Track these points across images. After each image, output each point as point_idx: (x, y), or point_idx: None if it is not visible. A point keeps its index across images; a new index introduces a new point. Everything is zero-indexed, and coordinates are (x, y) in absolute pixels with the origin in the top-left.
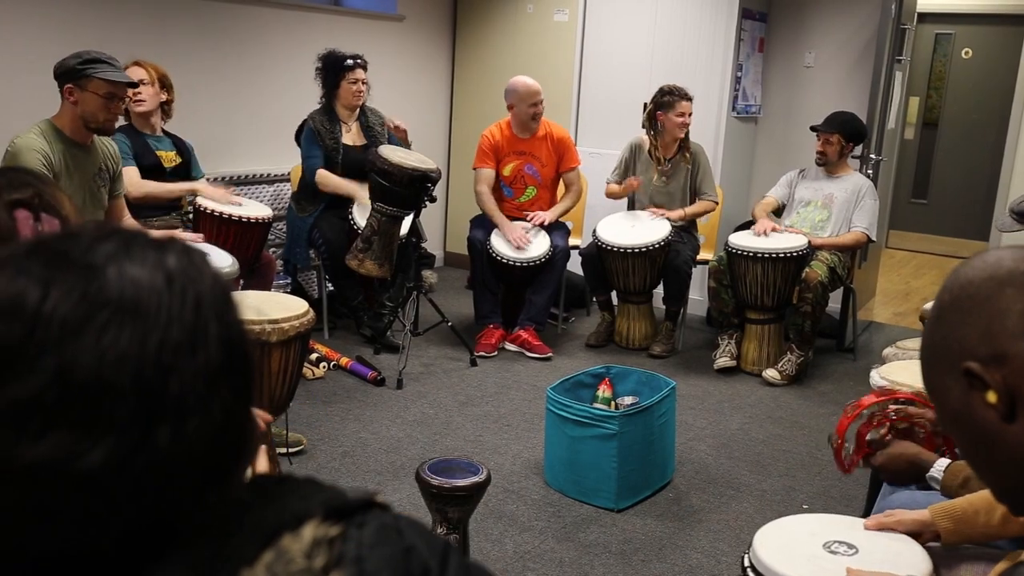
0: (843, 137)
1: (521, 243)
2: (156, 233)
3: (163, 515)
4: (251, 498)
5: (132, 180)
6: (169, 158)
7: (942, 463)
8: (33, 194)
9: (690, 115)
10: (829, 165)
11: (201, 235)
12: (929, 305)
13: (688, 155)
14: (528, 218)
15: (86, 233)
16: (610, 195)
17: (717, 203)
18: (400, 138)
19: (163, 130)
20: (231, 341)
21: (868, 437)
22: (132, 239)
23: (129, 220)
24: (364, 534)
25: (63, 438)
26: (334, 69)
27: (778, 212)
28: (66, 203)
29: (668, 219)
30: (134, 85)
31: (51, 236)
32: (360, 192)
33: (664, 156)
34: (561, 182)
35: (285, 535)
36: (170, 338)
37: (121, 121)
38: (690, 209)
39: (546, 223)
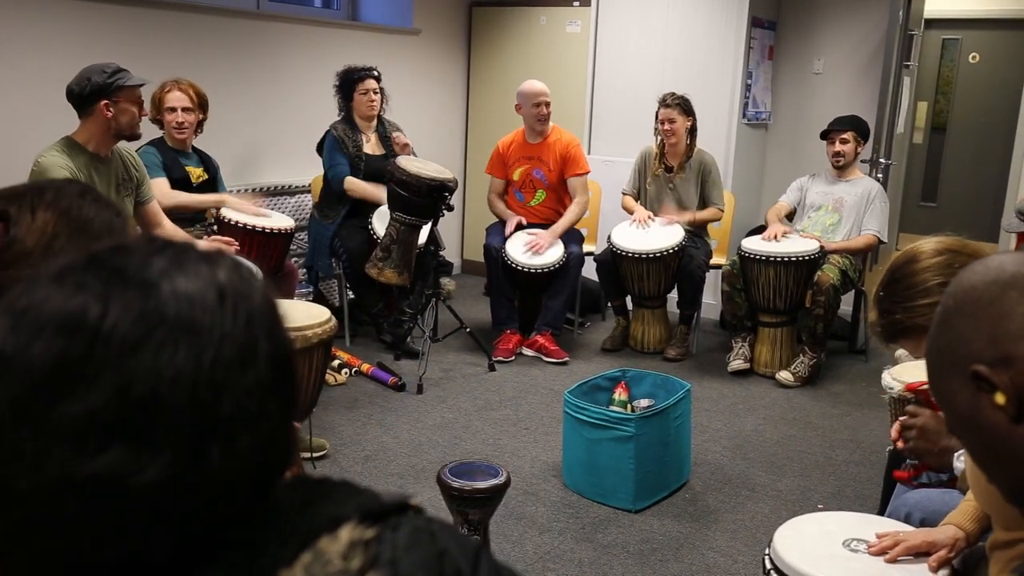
0: (857, 134)
1: (511, 227)
2: (202, 244)
3: (212, 527)
4: (289, 500)
5: (163, 191)
6: (197, 174)
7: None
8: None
9: (672, 122)
10: (846, 167)
11: (236, 244)
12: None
13: (689, 164)
14: (529, 245)
15: (139, 248)
16: (626, 208)
17: (723, 212)
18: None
19: (192, 147)
20: (279, 357)
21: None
22: (183, 253)
23: (167, 226)
24: (398, 537)
25: (120, 454)
26: (348, 81)
27: (790, 216)
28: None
29: (677, 222)
30: (144, 83)
31: (105, 250)
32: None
33: (670, 164)
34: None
35: (323, 537)
36: (223, 356)
37: (153, 133)
38: (699, 214)
39: (543, 250)
